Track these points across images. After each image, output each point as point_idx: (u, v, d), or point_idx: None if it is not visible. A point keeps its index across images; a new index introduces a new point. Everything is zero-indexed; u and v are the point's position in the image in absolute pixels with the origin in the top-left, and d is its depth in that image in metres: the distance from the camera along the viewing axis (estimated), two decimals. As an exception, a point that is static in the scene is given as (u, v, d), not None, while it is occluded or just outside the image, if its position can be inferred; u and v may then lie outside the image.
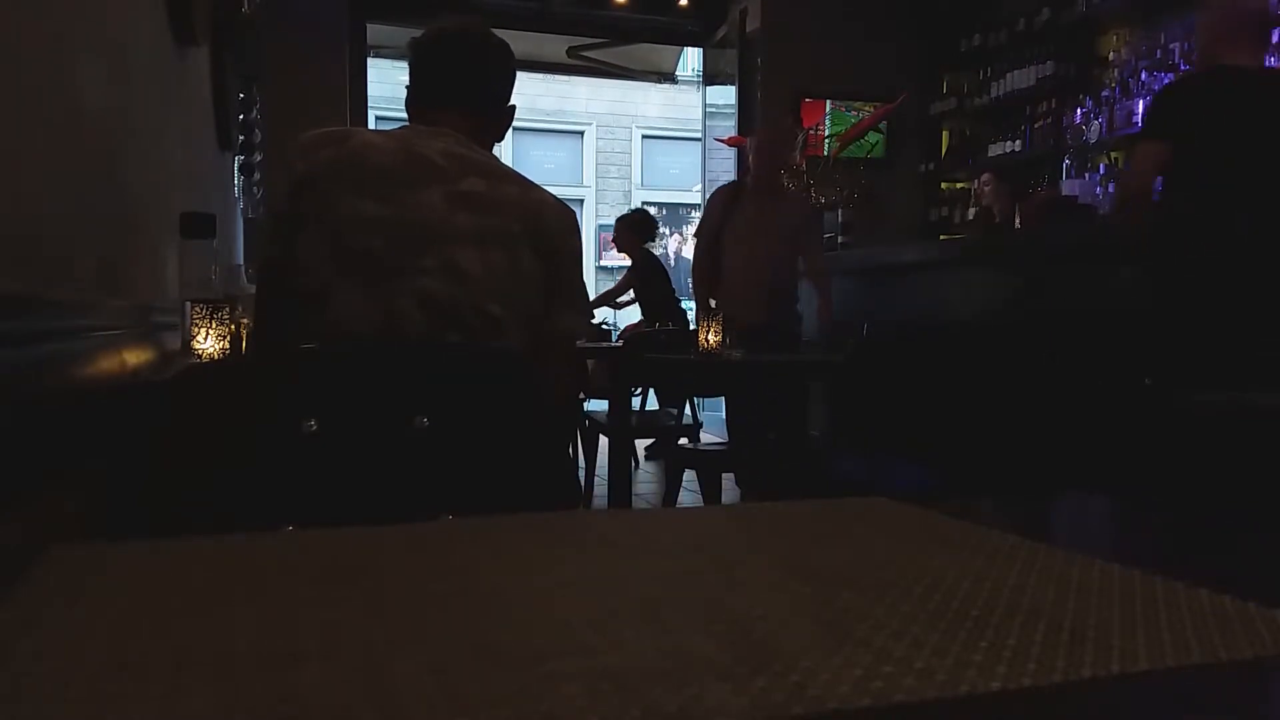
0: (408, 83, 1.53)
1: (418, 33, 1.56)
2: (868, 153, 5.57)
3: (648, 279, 5.38)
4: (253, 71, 3.78)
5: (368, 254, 1.29)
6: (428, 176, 1.33)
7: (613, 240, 5.55)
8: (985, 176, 5.05)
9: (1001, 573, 0.55)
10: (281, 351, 1.32)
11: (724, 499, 3.44)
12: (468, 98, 1.49)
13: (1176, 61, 4.62)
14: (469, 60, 1.50)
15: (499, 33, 1.53)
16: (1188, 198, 2.42)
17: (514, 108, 1.56)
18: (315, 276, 1.29)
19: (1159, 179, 2.51)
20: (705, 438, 4.72)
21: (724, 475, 3.43)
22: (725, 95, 6.29)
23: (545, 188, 1.47)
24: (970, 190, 5.64)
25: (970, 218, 5.50)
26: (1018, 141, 5.49)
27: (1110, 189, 4.76)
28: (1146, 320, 2.44)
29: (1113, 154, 4.97)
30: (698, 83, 7.59)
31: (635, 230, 5.34)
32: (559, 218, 1.43)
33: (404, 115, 1.53)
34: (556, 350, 1.46)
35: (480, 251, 1.33)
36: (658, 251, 13.65)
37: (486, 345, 1.32)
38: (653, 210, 6.46)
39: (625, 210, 5.87)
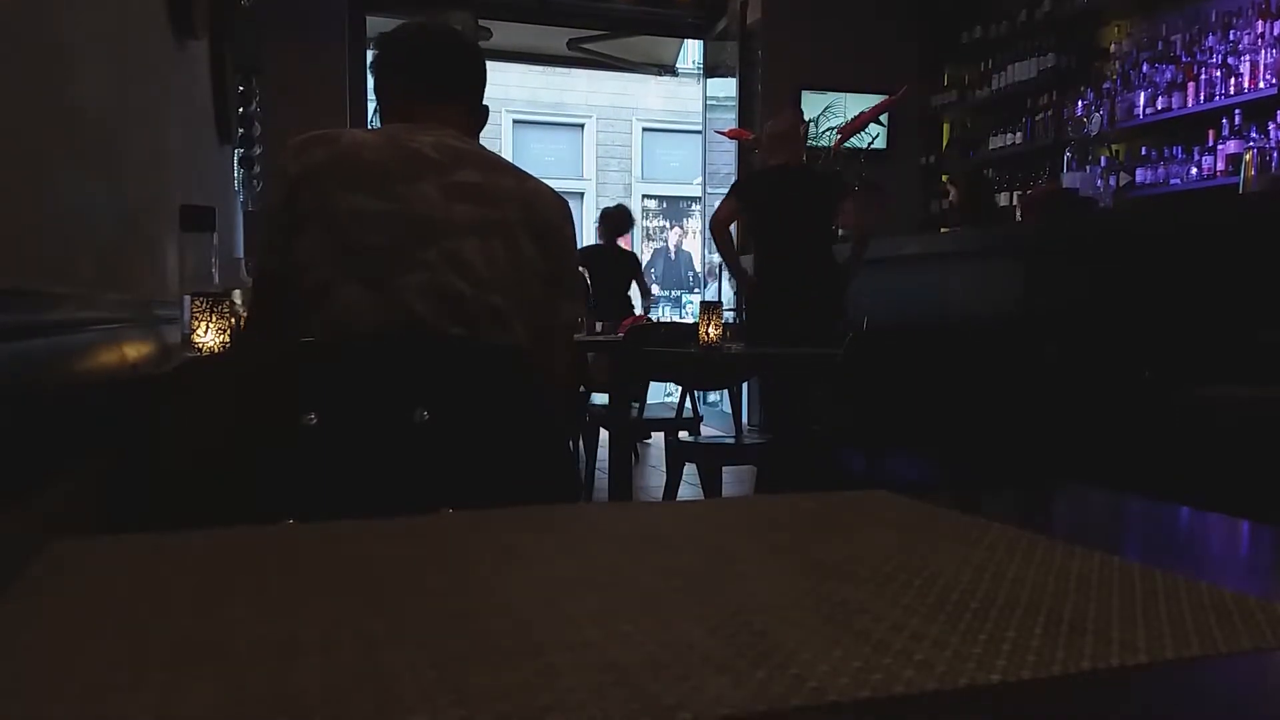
0: (387, 79, 1.50)
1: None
2: (869, 144, 5.56)
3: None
4: (252, 64, 3.77)
5: (371, 250, 1.29)
6: (421, 169, 1.33)
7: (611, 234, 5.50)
8: (946, 179, 4.91)
9: (1001, 565, 0.55)
10: (281, 346, 1.32)
11: (724, 492, 3.44)
12: (463, 92, 1.50)
13: (1178, 53, 4.60)
14: (462, 55, 1.51)
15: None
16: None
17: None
18: (315, 274, 1.29)
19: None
20: (706, 431, 4.72)
21: (723, 469, 3.43)
22: (726, 88, 6.27)
23: (542, 179, 1.47)
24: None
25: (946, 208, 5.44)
26: (1019, 134, 5.48)
27: (1111, 182, 4.74)
28: (1147, 314, 2.45)
29: (1114, 146, 4.96)
30: (698, 75, 7.56)
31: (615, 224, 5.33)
32: (555, 207, 1.43)
33: None
34: (558, 339, 1.46)
35: (482, 243, 1.33)
36: (658, 245, 13.63)
37: (486, 339, 1.32)
38: (653, 204, 6.41)
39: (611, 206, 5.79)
